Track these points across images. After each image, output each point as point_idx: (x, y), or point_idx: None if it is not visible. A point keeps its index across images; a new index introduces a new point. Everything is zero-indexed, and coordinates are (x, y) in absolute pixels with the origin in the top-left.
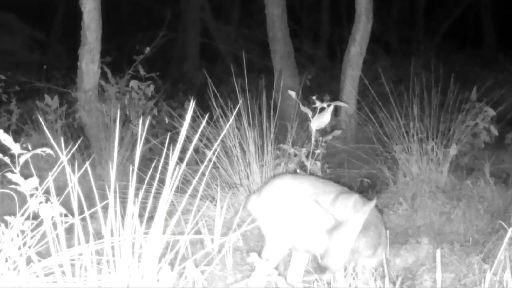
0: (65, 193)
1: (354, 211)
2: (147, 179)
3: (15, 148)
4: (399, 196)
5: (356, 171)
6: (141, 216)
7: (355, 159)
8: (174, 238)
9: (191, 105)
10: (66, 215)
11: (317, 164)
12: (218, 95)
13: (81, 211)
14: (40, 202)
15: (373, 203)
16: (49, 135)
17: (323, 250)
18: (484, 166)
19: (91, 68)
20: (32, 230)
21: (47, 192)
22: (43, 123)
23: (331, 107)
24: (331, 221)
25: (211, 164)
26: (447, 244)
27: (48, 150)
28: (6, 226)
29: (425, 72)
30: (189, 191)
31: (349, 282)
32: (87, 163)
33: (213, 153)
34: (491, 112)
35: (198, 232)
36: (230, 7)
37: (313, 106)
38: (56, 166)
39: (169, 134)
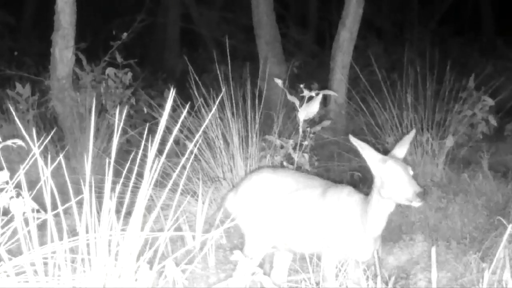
0: (37, 187)
1: (349, 200)
2: (124, 172)
3: None
4: None
5: (346, 164)
6: (118, 212)
7: (345, 151)
8: (153, 235)
9: (171, 94)
10: (38, 211)
11: (305, 156)
12: (200, 83)
13: (55, 207)
14: (11, 197)
15: (412, 133)
16: (20, 125)
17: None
18: (482, 159)
19: (65, 54)
20: (2, 227)
21: (18, 186)
22: (14, 113)
23: (320, 96)
24: (381, 156)
25: (193, 156)
26: (443, 241)
27: (19, 142)
28: None
29: (419, 59)
30: (169, 185)
31: (340, 281)
32: (61, 156)
33: (195, 145)
34: (490, 102)
35: (178, 228)
36: None
37: (300, 95)
38: (28, 159)
39: (147, 124)
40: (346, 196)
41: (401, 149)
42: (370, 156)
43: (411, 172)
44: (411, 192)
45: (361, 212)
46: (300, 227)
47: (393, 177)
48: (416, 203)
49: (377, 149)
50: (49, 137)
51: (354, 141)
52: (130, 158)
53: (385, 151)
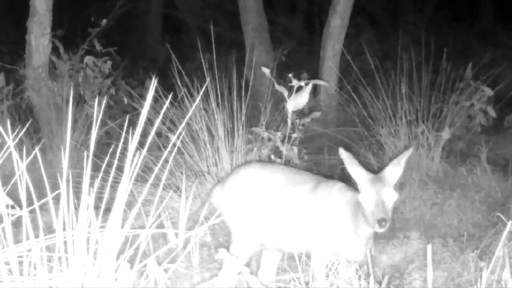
0: (12, 182)
1: (340, 197)
2: (103, 166)
3: None
4: None
5: (337, 157)
6: (97, 208)
7: (336, 144)
8: (133, 232)
9: (153, 84)
10: (13, 207)
11: (293, 149)
12: (183, 72)
13: (30, 202)
14: None
15: (409, 152)
16: None
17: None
18: (480, 152)
19: (41, 42)
20: None
21: None
22: None
23: (309, 86)
24: (366, 174)
25: (175, 149)
26: (439, 239)
27: None
28: None
29: (414, 47)
30: (151, 180)
31: (331, 281)
32: (37, 149)
33: (178, 138)
34: (488, 92)
35: (160, 225)
36: None
37: (289, 84)
38: (2, 152)
39: (128, 116)
40: (337, 192)
41: (394, 170)
42: (359, 175)
43: (392, 196)
44: (373, 219)
45: (353, 209)
46: (290, 224)
47: (365, 202)
48: (377, 228)
49: (367, 167)
50: (24, 129)
51: (344, 154)
52: (110, 151)
53: (379, 144)
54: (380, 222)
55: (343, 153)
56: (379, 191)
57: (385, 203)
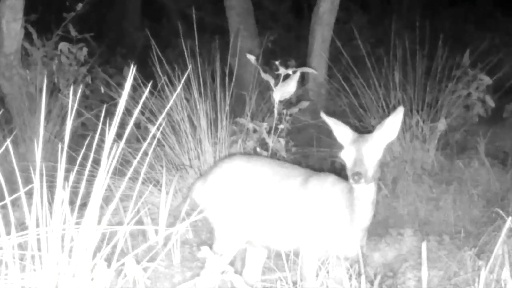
0: None
1: (334, 190)
2: (79, 159)
3: None
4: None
5: (326, 149)
6: (72, 203)
7: (325, 135)
8: (111, 229)
9: (131, 72)
10: None
11: (280, 141)
12: (163, 59)
13: (1, 197)
14: None
15: (402, 110)
16: None
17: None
18: (478, 144)
19: (13, 27)
20: None
21: None
22: None
23: (297, 74)
24: (351, 134)
25: (155, 141)
26: (435, 236)
27: None
28: None
29: (408, 33)
30: (129, 173)
31: (321, 280)
32: (8, 141)
33: (158, 129)
34: (487, 80)
35: (139, 222)
36: None
37: (275, 72)
38: None
39: (105, 106)
40: (330, 185)
41: (383, 131)
42: (344, 134)
43: (372, 153)
44: (350, 172)
45: (346, 202)
46: (278, 220)
47: (345, 158)
48: (352, 183)
49: (357, 130)
50: None
51: (327, 118)
52: (86, 144)
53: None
54: (354, 176)
55: (326, 118)
56: (360, 148)
57: (364, 159)
